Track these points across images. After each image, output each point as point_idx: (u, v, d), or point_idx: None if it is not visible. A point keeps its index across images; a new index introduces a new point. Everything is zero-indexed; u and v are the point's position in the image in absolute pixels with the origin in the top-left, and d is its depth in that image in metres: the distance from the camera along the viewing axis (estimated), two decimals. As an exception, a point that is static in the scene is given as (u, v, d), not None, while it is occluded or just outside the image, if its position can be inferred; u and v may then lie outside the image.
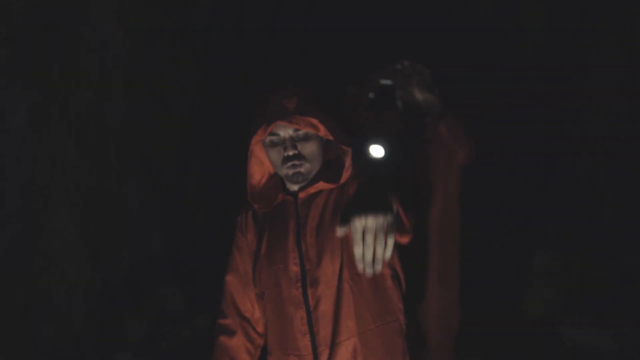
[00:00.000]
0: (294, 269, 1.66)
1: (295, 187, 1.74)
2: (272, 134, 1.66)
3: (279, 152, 1.66)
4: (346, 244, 1.62)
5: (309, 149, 1.66)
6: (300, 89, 1.68)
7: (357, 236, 1.26)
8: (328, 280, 1.63)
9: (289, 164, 1.65)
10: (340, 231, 1.32)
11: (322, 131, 1.64)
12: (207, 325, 4.44)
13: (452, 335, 3.28)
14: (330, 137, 1.65)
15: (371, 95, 2.97)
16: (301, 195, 1.72)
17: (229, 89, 6.16)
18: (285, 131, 1.65)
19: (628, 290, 4.22)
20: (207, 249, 5.55)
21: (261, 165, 1.80)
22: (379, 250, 1.26)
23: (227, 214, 5.75)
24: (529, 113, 6.14)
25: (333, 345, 1.63)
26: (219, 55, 6.03)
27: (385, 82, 2.94)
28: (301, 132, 1.65)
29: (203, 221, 5.84)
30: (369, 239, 1.26)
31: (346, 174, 1.70)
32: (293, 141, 1.65)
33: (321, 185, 1.69)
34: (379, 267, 1.29)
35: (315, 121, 1.62)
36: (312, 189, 1.70)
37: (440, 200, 3.08)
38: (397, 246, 1.62)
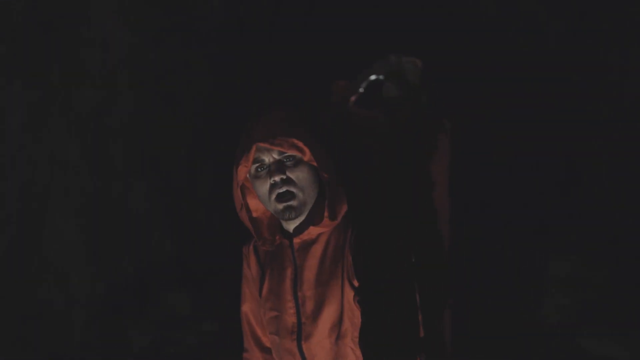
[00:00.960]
0: (291, 319, 1.55)
1: (290, 228, 1.58)
2: (255, 161, 1.50)
3: (265, 181, 1.49)
4: (347, 299, 1.49)
5: (299, 174, 1.48)
6: (285, 110, 1.54)
7: None
8: (325, 338, 1.52)
9: (277, 192, 1.48)
10: None
11: (307, 155, 1.48)
12: (213, 331, 4.40)
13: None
14: (314, 163, 1.49)
15: (361, 90, 2.93)
16: (296, 240, 1.57)
17: (238, 89, 6.12)
18: (269, 155, 1.49)
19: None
20: (214, 254, 5.49)
21: (255, 201, 1.64)
22: None
23: (236, 219, 5.70)
24: (549, 115, 6.11)
25: None
26: (228, 54, 5.99)
27: (375, 77, 2.91)
28: (288, 156, 1.48)
29: (211, 226, 5.78)
30: None
31: (339, 211, 1.53)
32: (279, 165, 1.48)
33: (312, 230, 1.54)
34: None
35: (299, 143, 1.46)
36: (305, 236, 1.55)
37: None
38: None
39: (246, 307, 1.70)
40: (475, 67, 7.18)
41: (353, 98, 2.94)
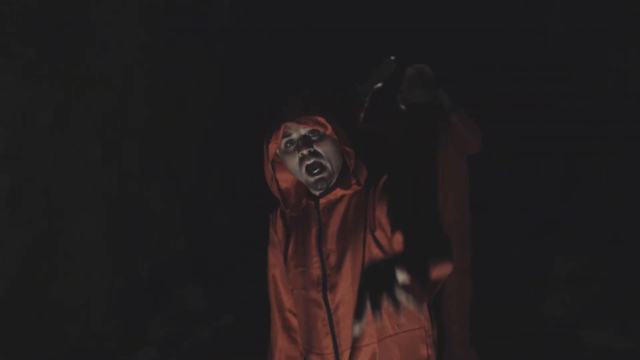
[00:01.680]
0: (316, 272, 1.69)
1: (317, 192, 1.73)
2: (285, 136, 1.65)
3: (294, 155, 1.65)
4: (369, 250, 1.63)
5: (325, 147, 1.64)
6: (306, 90, 1.69)
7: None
8: (347, 286, 1.64)
9: (306, 164, 1.63)
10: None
11: (329, 130, 1.63)
12: (228, 325, 4.50)
13: (468, 329, 3.37)
14: (335, 137, 1.64)
15: (366, 104, 2.94)
16: (322, 201, 1.71)
17: (249, 91, 6.22)
18: (296, 132, 1.64)
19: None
20: (228, 250, 5.59)
21: (287, 172, 1.78)
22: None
23: (248, 215, 5.82)
24: (551, 115, 6.14)
25: (353, 349, 1.66)
26: (237, 55, 6.10)
27: (378, 85, 2.91)
28: (312, 131, 1.63)
29: (224, 223, 5.88)
30: None
31: (362, 178, 1.67)
32: (306, 140, 1.63)
33: (339, 192, 1.69)
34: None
35: (322, 119, 1.61)
36: (331, 196, 1.70)
37: (452, 189, 3.20)
38: None
39: (274, 271, 1.83)
40: (475, 67, 7.22)
41: (362, 115, 2.97)
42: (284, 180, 1.78)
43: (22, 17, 3.41)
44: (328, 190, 1.69)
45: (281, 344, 1.83)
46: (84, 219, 4.03)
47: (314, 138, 1.63)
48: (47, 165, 3.67)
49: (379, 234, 1.62)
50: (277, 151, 1.70)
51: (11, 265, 3.41)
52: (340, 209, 1.69)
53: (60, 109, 3.74)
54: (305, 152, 1.61)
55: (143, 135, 4.67)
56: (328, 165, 1.64)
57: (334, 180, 1.68)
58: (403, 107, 3.35)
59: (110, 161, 4.30)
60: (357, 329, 1.23)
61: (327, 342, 1.67)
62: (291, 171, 1.68)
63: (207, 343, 4.34)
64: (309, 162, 1.62)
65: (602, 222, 5.17)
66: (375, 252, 1.61)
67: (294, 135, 1.64)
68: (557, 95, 5.98)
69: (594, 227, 5.14)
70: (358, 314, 1.22)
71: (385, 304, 1.17)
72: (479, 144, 3.20)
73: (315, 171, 1.63)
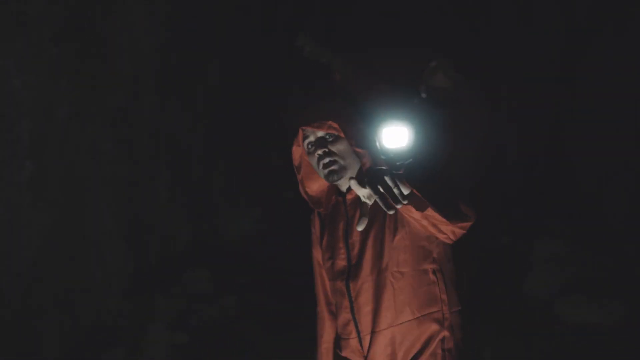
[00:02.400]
0: (342, 263, 1.85)
1: (343, 189, 1.88)
2: (305, 139, 1.84)
3: (314, 156, 1.82)
4: (390, 241, 1.78)
5: (340, 147, 1.80)
6: (323, 98, 1.89)
7: (375, 190, 1.42)
8: (368, 275, 1.80)
9: (322, 163, 1.79)
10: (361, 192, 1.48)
11: (342, 133, 1.80)
12: (231, 305, 4.81)
13: None
14: (349, 139, 1.81)
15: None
16: (348, 197, 1.87)
17: (252, 88, 6.50)
18: (313, 135, 1.82)
19: (623, 274, 4.52)
20: (231, 237, 5.93)
21: (316, 175, 1.93)
22: (395, 191, 1.41)
23: (250, 206, 6.14)
24: (537, 111, 6.34)
25: (373, 333, 1.80)
26: (245, 53, 6.38)
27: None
28: (328, 134, 1.80)
29: (229, 212, 6.20)
30: (383, 188, 1.41)
31: None
32: (321, 141, 1.80)
33: None
34: (399, 205, 1.41)
35: (334, 124, 1.78)
36: (354, 193, 1.82)
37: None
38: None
39: (321, 270, 2.00)
40: (474, 67, 7.37)
41: (337, 77, 3.10)
42: (315, 181, 1.94)
43: (51, 21, 3.72)
44: (350, 188, 1.79)
45: (327, 336, 2.00)
46: (99, 206, 4.34)
47: (329, 139, 1.81)
48: (66, 154, 3.97)
49: (399, 225, 1.78)
50: (305, 153, 1.89)
51: (34, 242, 3.72)
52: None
53: (77, 103, 4.05)
54: (320, 152, 1.80)
55: (152, 129, 4.99)
56: (341, 161, 1.80)
57: (347, 174, 1.82)
58: (424, 95, 3.60)
59: (122, 153, 4.61)
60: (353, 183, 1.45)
61: (351, 328, 1.85)
62: (315, 169, 1.86)
63: (212, 321, 4.64)
64: (324, 161, 1.79)
65: (580, 209, 5.45)
66: (396, 241, 1.78)
67: (312, 138, 1.83)
68: (557, 94, 6.18)
69: (572, 214, 5.44)
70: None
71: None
72: (486, 121, 3.45)
73: (328, 166, 1.80)
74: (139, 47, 4.81)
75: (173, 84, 5.35)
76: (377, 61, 3.66)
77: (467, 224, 1.61)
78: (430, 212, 1.57)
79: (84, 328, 4.13)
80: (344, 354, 1.90)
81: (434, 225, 1.64)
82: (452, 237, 1.68)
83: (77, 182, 4.10)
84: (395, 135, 2.08)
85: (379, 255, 1.79)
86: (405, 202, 1.41)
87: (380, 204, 1.42)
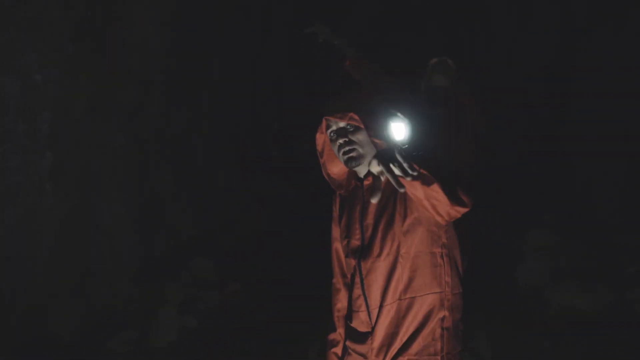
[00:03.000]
0: (356, 243, 1.99)
1: (361, 175, 2.02)
2: (328, 128, 1.98)
3: (335, 143, 1.95)
4: (400, 225, 1.92)
5: (358, 137, 1.93)
6: (346, 90, 2.04)
7: (387, 168, 1.60)
8: (378, 255, 1.93)
9: (342, 150, 1.93)
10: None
11: (362, 125, 1.93)
12: (235, 291, 5.03)
13: None
14: (368, 130, 1.93)
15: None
16: (365, 182, 2.00)
17: (254, 87, 6.68)
18: (336, 124, 1.96)
19: (610, 263, 4.69)
20: (234, 229, 6.12)
21: (337, 159, 2.07)
22: (405, 165, 1.57)
23: (253, 200, 6.32)
24: (531, 111, 6.47)
25: (380, 307, 1.94)
26: (242, 51, 6.55)
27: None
28: (349, 125, 1.94)
29: (232, 205, 6.39)
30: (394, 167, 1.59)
31: None
32: (343, 131, 1.94)
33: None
34: (408, 177, 1.58)
35: (355, 116, 1.91)
36: (371, 179, 1.97)
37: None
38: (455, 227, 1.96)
39: (336, 245, 2.13)
40: (473, 67, 7.47)
41: (347, 63, 3.29)
42: (337, 165, 2.08)
43: (70, 22, 3.92)
44: (370, 172, 2.00)
45: (340, 305, 2.13)
46: (112, 196, 4.54)
47: (350, 129, 1.94)
48: (83, 146, 4.17)
49: (409, 212, 1.92)
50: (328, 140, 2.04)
51: (53, 228, 3.91)
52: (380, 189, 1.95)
53: (92, 99, 4.24)
54: (342, 141, 1.93)
55: (161, 124, 5.18)
56: (360, 150, 1.93)
57: (365, 161, 1.96)
58: (424, 92, 3.75)
59: (132, 148, 4.82)
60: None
61: (360, 302, 1.99)
62: (337, 155, 1.99)
63: (218, 305, 4.87)
64: (344, 149, 1.93)
65: (571, 203, 5.65)
66: (406, 226, 1.92)
67: (334, 127, 1.96)
68: (551, 95, 6.32)
69: (563, 207, 5.63)
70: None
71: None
72: (481, 122, 3.63)
73: (348, 153, 1.94)
74: (148, 48, 5.01)
75: (180, 82, 5.55)
76: (379, 59, 3.82)
77: (464, 209, 1.76)
78: (433, 190, 1.72)
79: (96, 312, 4.31)
80: (353, 324, 2.04)
81: (434, 207, 1.79)
82: (447, 218, 1.82)
83: (91, 173, 4.30)
84: (398, 130, 2.18)
85: (389, 238, 1.93)
86: (414, 173, 1.58)
87: (392, 180, 1.59)
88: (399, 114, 2.43)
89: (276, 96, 7.65)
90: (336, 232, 2.10)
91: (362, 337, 2.00)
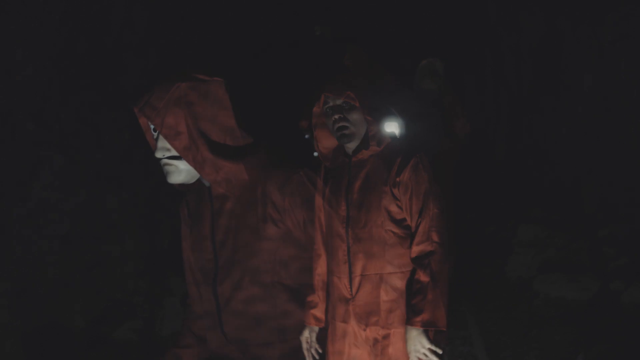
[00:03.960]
0: (342, 213, 2.08)
1: (350, 152, 2.12)
2: (325, 104, 2.09)
3: (330, 118, 2.06)
4: (388, 202, 2.02)
5: (354, 115, 2.03)
6: (346, 70, 2.23)
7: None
8: (363, 227, 2.04)
9: (337, 126, 2.03)
10: None
11: (358, 102, 2.02)
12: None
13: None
14: (362, 108, 2.04)
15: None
16: (353, 159, 2.10)
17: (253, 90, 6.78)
18: (333, 101, 2.06)
19: (596, 255, 4.85)
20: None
21: (329, 134, 2.17)
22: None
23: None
24: (521, 111, 6.56)
25: (362, 276, 2.05)
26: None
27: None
28: (345, 102, 2.03)
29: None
30: None
31: (382, 142, 2.07)
32: (339, 108, 2.04)
33: (365, 152, 2.08)
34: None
35: (352, 94, 2.01)
36: (360, 155, 2.08)
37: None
38: None
39: (320, 213, 2.14)
40: (470, 66, 7.49)
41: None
42: (327, 139, 2.19)
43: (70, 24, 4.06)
44: (358, 150, 2.10)
45: (320, 269, 2.16)
46: (118, 194, 4.69)
47: (345, 107, 2.04)
48: (91, 148, 4.32)
49: (395, 192, 2.02)
50: (320, 113, 2.15)
51: (65, 222, 4.06)
52: (366, 167, 2.09)
53: (99, 97, 4.39)
54: (337, 117, 2.04)
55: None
56: (352, 128, 2.05)
57: (356, 139, 2.08)
58: (414, 93, 3.90)
59: (137, 150, 4.91)
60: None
61: (344, 268, 2.07)
62: (329, 128, 2.11)
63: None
64: (338, 124, 2.04)
65: (558, 198, 5.80)
66: (389, 203, 2.03)
67: (331, 103, 2.06)
68: (544, 94, 6.39)
69: (552, 202, 5.80)
70: None
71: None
72: (464, 126, 3.81)
73: (341, 129, 2.05)
74: (144, 67, 5.11)
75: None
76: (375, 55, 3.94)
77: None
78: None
79: (105, 301, 4.46)
80: (335, 289, 2.12)
81: None
82: None
83: (99, 173, 4.45)
84: (390, 127, 2.37)
85: (373, 212, 2.04)
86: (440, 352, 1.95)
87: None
88: (392, 110, 2.73)
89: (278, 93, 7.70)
90: (319, 201, 2.13)
91: (343, 302, 2.10)
